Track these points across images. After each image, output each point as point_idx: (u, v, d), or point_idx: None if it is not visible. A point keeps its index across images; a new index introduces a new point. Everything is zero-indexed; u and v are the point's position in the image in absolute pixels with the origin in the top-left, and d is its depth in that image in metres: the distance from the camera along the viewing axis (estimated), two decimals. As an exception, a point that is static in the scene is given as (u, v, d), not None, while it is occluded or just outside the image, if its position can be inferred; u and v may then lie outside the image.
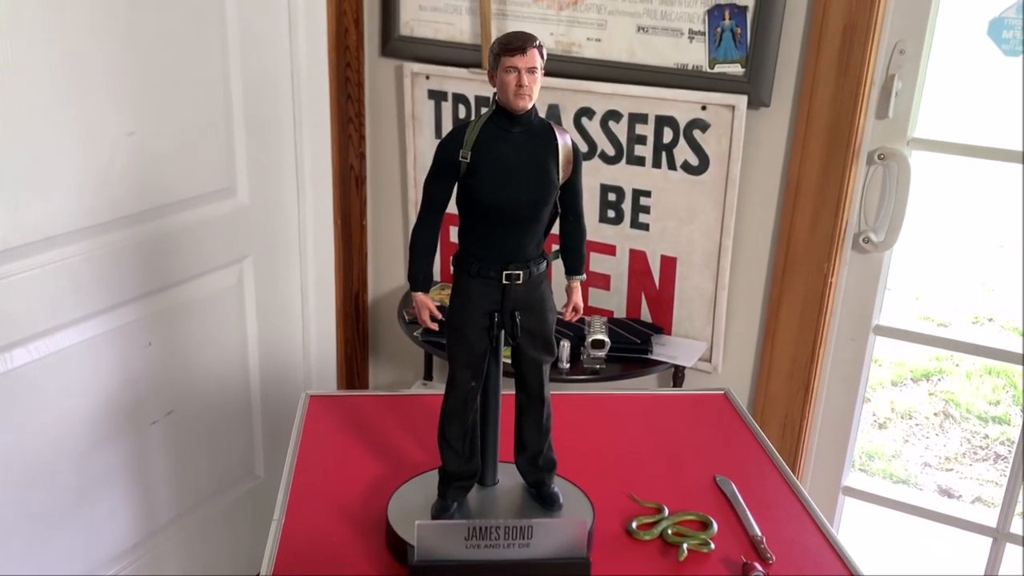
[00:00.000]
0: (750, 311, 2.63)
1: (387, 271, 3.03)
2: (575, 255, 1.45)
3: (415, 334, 2.59)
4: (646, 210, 2.63)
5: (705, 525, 1.55)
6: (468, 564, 1.37)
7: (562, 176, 1.36)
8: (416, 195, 2.88)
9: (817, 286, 2.53)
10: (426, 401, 1.81)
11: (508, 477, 1.56)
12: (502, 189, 1.32)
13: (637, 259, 2.67)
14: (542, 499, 1.51)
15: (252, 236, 2.66)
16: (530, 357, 1.43)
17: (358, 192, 2.89)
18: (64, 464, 2.28)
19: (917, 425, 4.42)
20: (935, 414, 4.49)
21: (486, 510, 1.50)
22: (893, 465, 4.15)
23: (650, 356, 2.57)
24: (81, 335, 2.27)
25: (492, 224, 1.35)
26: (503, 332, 1.42)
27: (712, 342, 2.66)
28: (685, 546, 1.48)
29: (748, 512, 1.56)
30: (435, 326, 1.42)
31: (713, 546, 1.49)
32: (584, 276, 1.47)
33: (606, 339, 2.51)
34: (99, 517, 2.42)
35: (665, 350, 2.61)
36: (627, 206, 2.64)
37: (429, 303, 1.41)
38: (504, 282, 1.37)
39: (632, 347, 2.57)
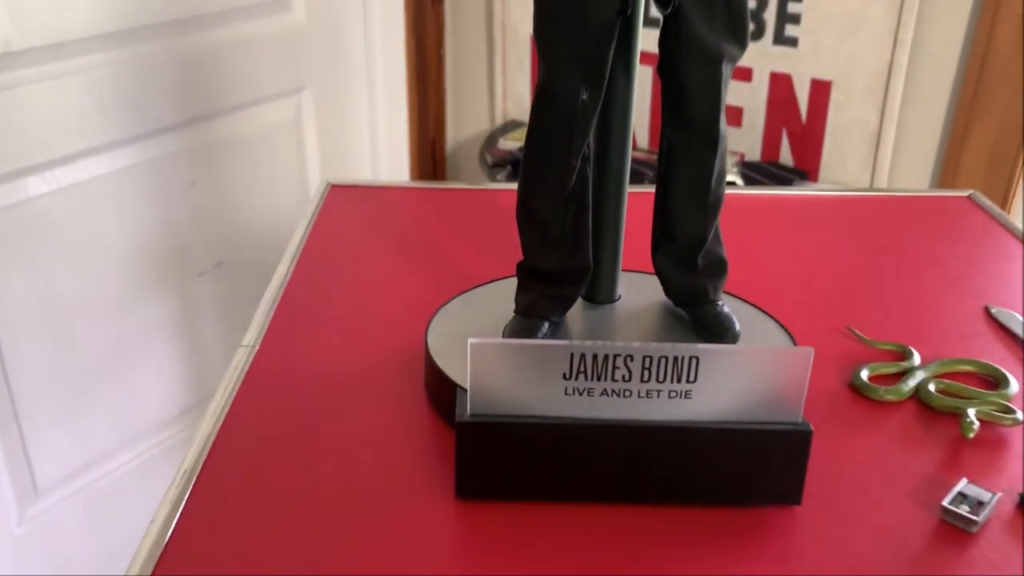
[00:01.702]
0: (924, 151, 1.79)
1: (467, 112, 2.25)
2: None
3: (497, 178, 1.83)
4: (794, 19, 1.79)
5: (993, 381, 0.75)
6: (567, 426, 0.60)
7: None
8: (503, 11, 2.08)
9: (1019, 115, 1.66)
10: (500, 198, 1.03)
11: (638, 293, 0.78)
12: None
13: (780, 85, 1.84)
14: (703, 323, 0.72)
15: (310, 63, 1.97)
16: (700, 45, 0.64)
17: (435, 10, 2.10)
18: (99, 317, 1.70)
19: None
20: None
21: (600, 339, 0.73)
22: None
23: (792, 208, 1.74)
24: (109, 165, 1.68)
25: None
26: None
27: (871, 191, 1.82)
28: (973, 414, 0.68)
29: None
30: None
31: (1021, 416, 0.69)
32: None
33: (739, 182, 1.71)
34: (141, 379, 1.85)
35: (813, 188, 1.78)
36: (770, 15, 1.81)
37: None
38: None
39: (770, 195, 1.75)
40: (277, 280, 0.84)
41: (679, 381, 0.60)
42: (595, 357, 0.59)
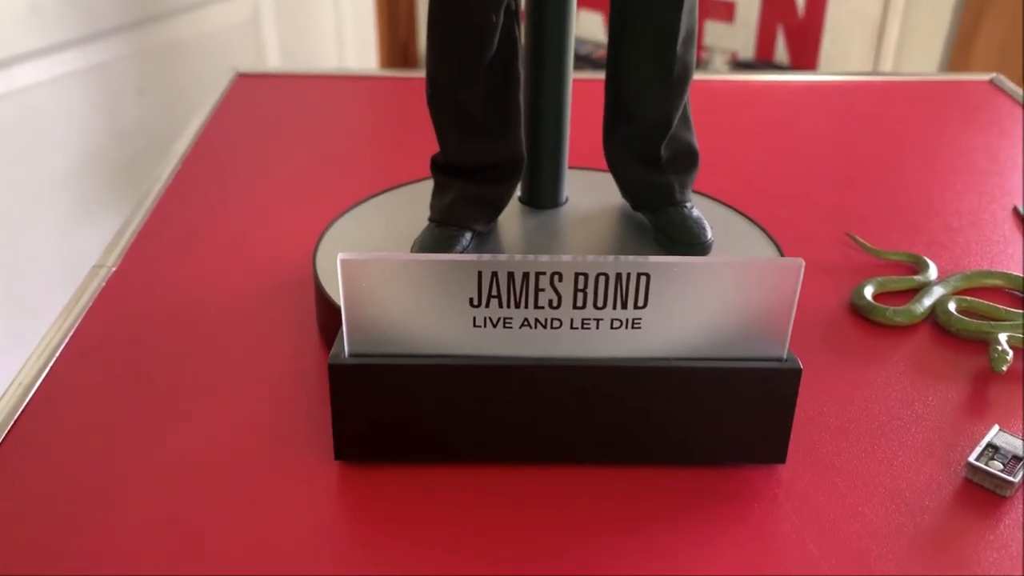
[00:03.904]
0: (931, 44, 1.59)
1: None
2: None
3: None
4: (792, -101, 1.57)
5: (1027, 298, 0.59)
6: (476, 368, 0.44)
7: None
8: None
9: (1034, 5, 1.46)
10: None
11: (589, 194, 0.62)
12: None
13: (775, -25, 1.63)
14: (666, 230, 0.55)
15: (268, -42, 1.75)
16: None
17: None
18: (47, 238, 1.53)
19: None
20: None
21: (537, 254, 0.56)
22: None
23: (787, 109, 1.55)
24: (47, 72, 1.50)
25: None
26: None
27: (873, 90, 1.63)
28: (1004, 340, 0.52)
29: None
30: None
31: (1065, 343, 0.53)
32: None
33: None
34: None
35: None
36: None
37: None
38: None
39: (763, 96, 1.56)
40: (153, 186, 0.67)
41: (624, 307, 0.43)
42: (511, 276, 0.42)
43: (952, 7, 1.56)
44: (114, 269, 0.59)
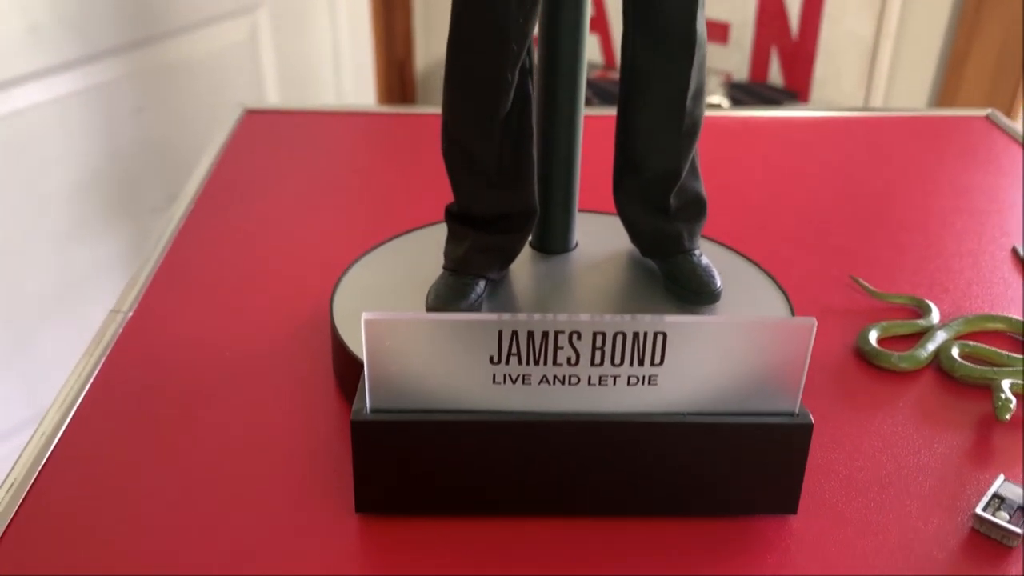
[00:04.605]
0: (923, 66, 1.61)
1: (439, 30, 2.04)
2: None
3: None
4: (787, -76, 1.59)
5: (1029, 343, 0.60)
6: (497, 423, 0.45)
7: None
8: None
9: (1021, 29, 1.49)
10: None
11: (598, 239, 0.63)
12: None
13: (769, -2, 1.65)
14: (676, 278, 0.56)
15: (266, -22, 1.76)
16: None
17: (400, -81, 1.89)
18: (44, 257, 1.53)
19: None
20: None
21: (548, 305, 0.57)
22: None
23: (781, 130, 1.57)
24: (47, 93, 1.49)
25: None
26: None
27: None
28: (1007, 387, 0.53)
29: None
30: None
31: (1068, 390, 0.54)
32: None
33: (724, 104, 1.54)
34: (91, 321, 1.65)
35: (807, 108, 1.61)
36: (760, -81, 1.61)
37: None
38: None
39: (758, 117, 1.58)
40: (166, 228, 0.68)
41: (641, 364, 0.44)
42: (531, 335, 0.43)
43: (944, 28, 1.58)
44: (130, 314, 0.59)
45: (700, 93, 0.53)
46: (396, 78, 2.00)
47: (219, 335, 0.58)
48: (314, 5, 1.85)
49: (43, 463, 0.49)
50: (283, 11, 1.79)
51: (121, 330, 0.58)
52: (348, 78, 1.94)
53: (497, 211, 0.55)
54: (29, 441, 0.50)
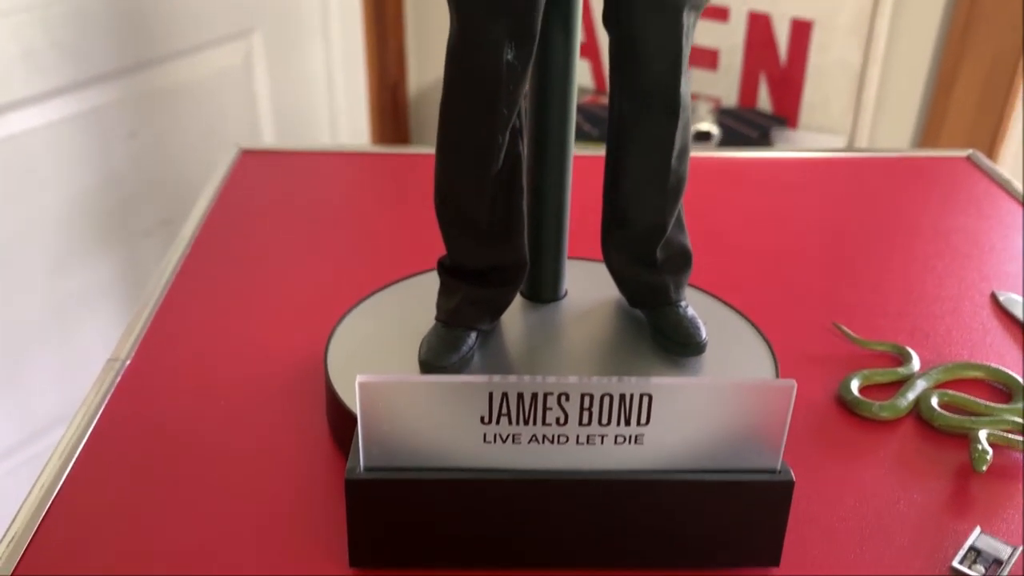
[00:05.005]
0: (910, 92, 1.64)
1: (431, 53, 2.06)
2: None
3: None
4: (775, -47, 1.61)
5: (1006, 390, 0.61)
6: (487, 481, 0.46)
7: None
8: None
9: (1010, 55, 1.52)
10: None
11: (587, 287, 0.64)
12: None
13: (758, 25, 1.68)
14: (663, 330, 0.58)
15: (260, 4, 1.77)
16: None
17: (393, -55, 1.91)
18: (36, 281, 1.53)
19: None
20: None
21: (538, 355, 0.58)
22: None
23: (770, 155, 1.60)
24: (41, 118, 1.49)
25: None
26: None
27: (853, 136, 1.68)
28: (984, 438, 0.54)
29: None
30: None
31: (1041, 439, 0.55)
32: None
33: (714, 130, 1.56)
34: (84, 344, 1.67)
35: (790, 147, 1.64)
36: (748, -52, 1.63)
37: None
38: None
39: (746, 143, 1.62)
40: (164, 272, 0.69)
41: (628, 424, 0.46)
42: (520, 396, 0.45)
43: (931, 54, 1.61)
44: (128, 363, 0.61)
45: (684, 152, 0.55)
46: (389, 100, 2.02)
47: (216, 383, 0.59)
48: (307, 29, 1.87)
49: (43, 516, 0.50)
50: (277, 35, 1.81)
51: (119, 379, 0.59)
52: (341, 100, 1.96)
53: (489, 265, 0.56)
54: (29, 493, 0.51)
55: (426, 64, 2.07)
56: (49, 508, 0.50)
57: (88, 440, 0.55)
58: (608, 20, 0.51)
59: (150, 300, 0.66)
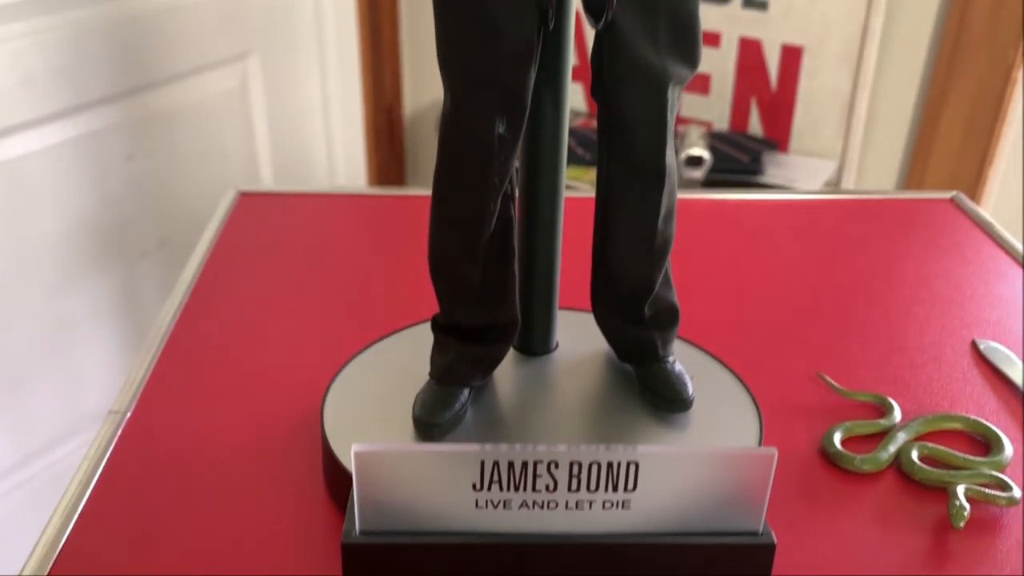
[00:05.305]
0: (898, 118, 1.66)
1: (426, 76, 2.08)
2: None
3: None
4: (765, -19, 1.64)
5: (985, 442, 0.63)
6: (479, 545, 0.47)
7: None
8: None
9: (995, 83, 1.54)
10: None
11: (577, 339, 0.66)
12: None
13: (749, 51, 1.69)
14: (650, 386, 0.60)
15: (256, 27, 1.79)
16: (641, 67, 0.50)
17: (389, -30, 1.93)
18: (34, 303, 1.55)
19: None
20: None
21: (530, 411, 0.60)
22: None
23: (760, 179, 1.63)
24: (40, 142, 1.51)
25: None
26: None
27: (843, 161, 1.70)
28: (961, 494, 0.56)
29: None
30: None
31: (1018, 495, 0.57)
32: None
33: (705, 155, 1.58)
34: (82, 366, 1.70)
35: (780, 171, 1.67)
36: (739, -24, 1.65)
37: None
38: None
39: (738, 167, 1.64)
40: (164, 320, 0.70)
41: (615, 490, 0.47)
42: (511, 464, 0.46)
43: (919, 80, 1.63)
44: (128, 415, 0.62)
45: (670, 215, 0.57)
46: (384, 121, 2.04)
47: (214, 436, 0.61)
48: (304, 52, 1.88)
49: (48, 570, 0.51)
50: (273, 58, 1.82)
51: (120, 432, 0.60)
52: (337, 121, 1.98)
53: (482, 324, 0.58)
54: (33, 550, 0.53)
55: (421, 85, 2.09)
56: (54, 562, 0.51)
57: (91, 494, 0.56)
58: (596, 93, 0.53)
59: (150, 351, 0.67)
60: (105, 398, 1.72)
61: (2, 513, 1.62)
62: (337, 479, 0.55)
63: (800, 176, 1.67)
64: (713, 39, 1.71)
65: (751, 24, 1.68)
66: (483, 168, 0.51)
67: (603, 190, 0.56)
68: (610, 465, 0.46)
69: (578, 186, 1.61)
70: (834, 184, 1.72)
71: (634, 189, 0.55)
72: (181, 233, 1.78)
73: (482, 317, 0.57)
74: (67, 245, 1.56)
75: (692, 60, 0.51)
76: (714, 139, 1.70)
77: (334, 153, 2.01)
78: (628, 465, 0.47)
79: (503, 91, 0.50)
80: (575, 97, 1.85)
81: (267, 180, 1.92)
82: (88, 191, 1.59)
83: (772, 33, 1.67)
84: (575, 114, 1.85)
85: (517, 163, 0.55)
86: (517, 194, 0.57)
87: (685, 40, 0.50)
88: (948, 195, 0.93)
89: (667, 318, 0.60)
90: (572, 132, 1.82)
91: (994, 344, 0.71)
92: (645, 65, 0.50)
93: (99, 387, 1.71)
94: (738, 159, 1.65)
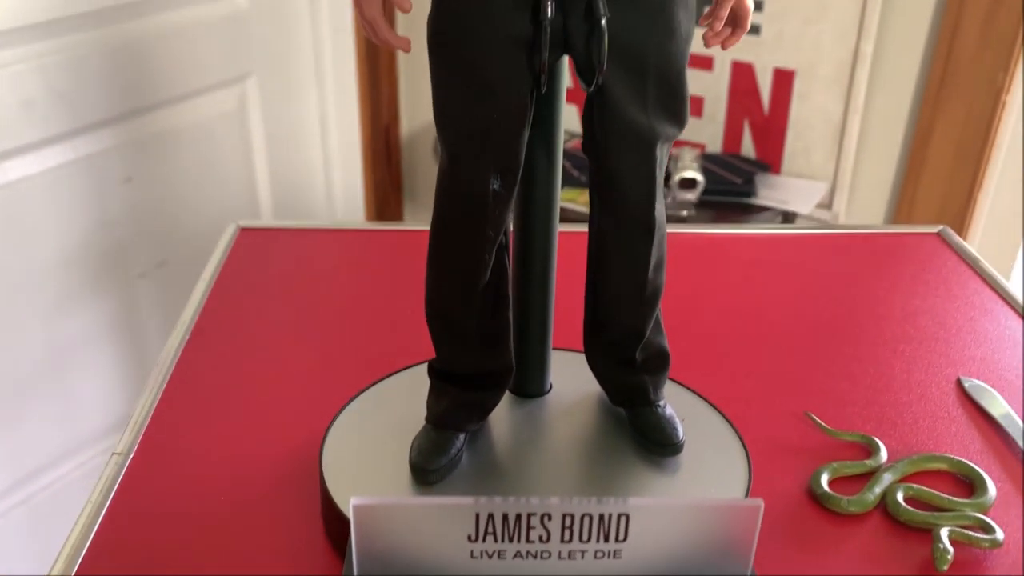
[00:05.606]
0: (889, 141, 1.68)
1: (423, 97, 2.10)
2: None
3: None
4: (757, 6, 1.65)
5: (968, 483, 0.64)
6: (476, 596, 0.49)
7: None
8: None
9: (985, 107, 1.56)
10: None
11: (571, 381, 0.67)
12: None
13: (742, 75, 1.71)
14: (642, 429, 0.61)
15: (254, 49, 1.80)
16: (631, 128, 0.51)
17: (386, -7, 1.94)
18: (33, 324, 1.55)
19: None
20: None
21: (524, 455, 0.61)
22: None
23: (753, 200, 1.64)
24: (39, 165, 1.52)
25: None
26: (565, 55, 0.51)
27: (835, 183, 1.72)
28: (945, 537, 0.57)
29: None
30: (402, 44, 0.52)
31: (1001, 537, 0.58)
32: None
33: (698, 177, 1.60)
34: (81, 386, 1.70)
35: (773, 193, 1.69)
36: (732, 1, 1.66)
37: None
38: None
39: (731, 189, 1.65)
40: (164, 362, 0.72)
41: (607, 540, 0.48)
42: (505, 517, 0.48)
43: (909, 105, 1.65)
44: (131, 457, 0.63)
45: (660, 264, 0.58)
46: (382, 142, 2.05)
47: (215, 478, 0.62)
48: (302, 74, 1.90)
49: (52, 619, 0.52)
50: (271, 81, 1.84)
51: (122, 476, 0.62)
52: (335, 143, 1.99)
53: (476, 370, 0.59)
54: (39, 596, 0.54)
55: (418, 106, 2.10)
56: (58, 612, 0.53)
57: (93, 538, 0.57)
58: (587, 150, 0.54)
59: (152, 391, 0.68)
60: (103, 419, 1.73)
61: (2, 532, 1.63)
62: (335, 523, 0.57)
63: (792, 198, 1.68)
64: (706, 63, 1.73)
65: (744, 48, 1.69)
66: (478, 222, 0.53)
67: (595, 241, 0.58)
68: (601, 517, 0.48)
69: (573, 208, 1.62)
70: (826, 206, 1.74)
71: (625, 240, 0.56)
72: (179, 255, 1.79)
73: (477, 364, 0.59)
74: (65, 267, 1.57)
75: (679, 120, 0.53)
76: (707, 161, 1.72)
77: (331, 173, 2.03)
78: (619, 517, 0.48)
79: (498, 150, 0.51)
80: (570, 119, 1.86)
81: (265, 202, 1.93)
82: (86, 214, 1.60)
83: (764, 57, 1.69)
84: (570, 135, 1.87)
85: (511, 217, 0.56)
86: (511, 244, 0.59)
87: (673, 101, 0.52)
88: (935, 229, 0.94)
89: (657, 363, 0.62)
90: (567, 154, 1.84)
91: (978, 382, 0.73)
92: (634, 125, 0.51)
93: (97, 408, 1.72)
94: (731, 181, 1.67)
